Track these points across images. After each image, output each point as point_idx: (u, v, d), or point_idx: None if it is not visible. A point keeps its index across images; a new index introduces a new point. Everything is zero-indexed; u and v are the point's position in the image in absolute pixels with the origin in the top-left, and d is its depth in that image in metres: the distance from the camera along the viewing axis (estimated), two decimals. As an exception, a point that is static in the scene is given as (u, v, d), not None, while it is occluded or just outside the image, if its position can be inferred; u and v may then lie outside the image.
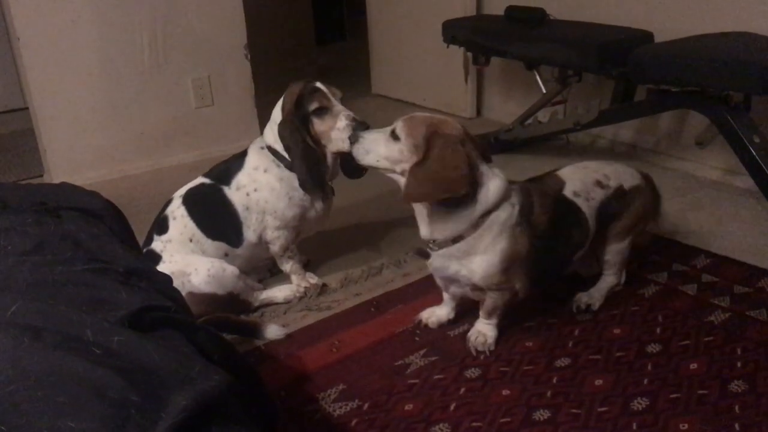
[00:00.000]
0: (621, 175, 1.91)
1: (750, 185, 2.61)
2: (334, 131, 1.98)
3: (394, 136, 1.64)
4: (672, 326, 1.87)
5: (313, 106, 1.98)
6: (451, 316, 1.95)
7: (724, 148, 2.63)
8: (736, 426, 1.50)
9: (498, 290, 1.75)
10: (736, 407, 1.55)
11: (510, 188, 1.68)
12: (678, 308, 1.96)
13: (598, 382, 1.67)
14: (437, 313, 1.95)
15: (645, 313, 1.94)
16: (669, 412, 1.55)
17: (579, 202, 1.80)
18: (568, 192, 1.81)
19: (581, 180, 1.85)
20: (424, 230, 1.70)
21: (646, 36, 2.80)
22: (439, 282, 1.85)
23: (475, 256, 1.68)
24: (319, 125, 2.00)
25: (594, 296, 1.98)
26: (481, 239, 1.65)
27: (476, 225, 1.64)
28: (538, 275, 1.79)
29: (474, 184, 1.60)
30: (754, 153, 2.38)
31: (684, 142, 3.06)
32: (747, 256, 2.22)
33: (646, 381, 1.66)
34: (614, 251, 1.94)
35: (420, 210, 1.69)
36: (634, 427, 1.51)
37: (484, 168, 1.64)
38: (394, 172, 1.68)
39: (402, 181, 1.66)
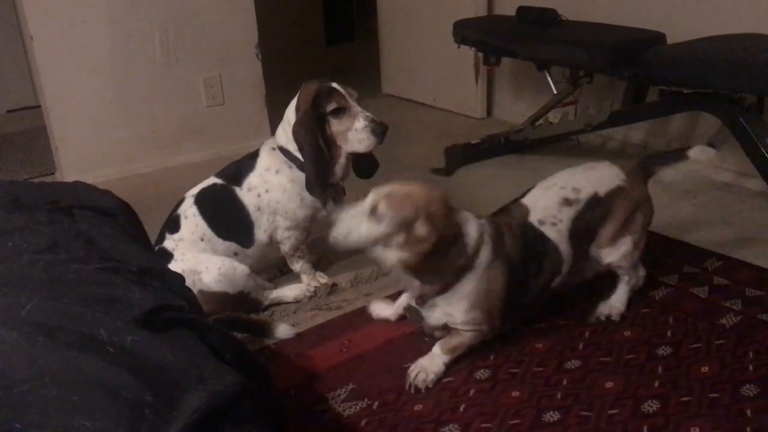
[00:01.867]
0: (596, 180, 1.84)
1: (762, 187, 2.59)
2: (352, 132, 1.98)
3: (375, 214, 1.55)
4: (683, 329, 1.86)
5: (332, 106, 1.98)
6: (392, 318, 1.95)
7: (736, 150, 2.61)
8: (748, 430, 1.49)
9: (474, 329, 1.71)
10: (748, 411, 1.54)
11: (483, 228, 1.67)
12: (689, 311, 1.95)
13: (609, 384, 1.66)
14: (386, 312, 1.97)
15: (656, 316, 1.93)
16: (680, 416, 1.54)
17: (545, 229, 1.76)
18: (533, 220, 1.77)
19: (544, 206, 1.79)
20: (415, 291, 1.70)
21: (659, 37, 2.79)
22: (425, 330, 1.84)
23: (457, 302, 1.67)
24: (336, 126, 2.00)
25: (614, 306, 1.93)
26: (463, 286, 1.65)
27: (460, 274, 1.64)
28: (511, 311, 1.75)
29: (457, 236, 1.61)
30: (767, 155, 2.36)
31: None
32: (759, 259, 2.21)
33: (656, 384, 1.65)
34: (617, 256, 1.87)
35: (404, 275, 1.65)
36: (645, 430, 1.51)
37: (459, 215, 1.64)
38: (376, 250, 1.59)
39: (381, 253, 1.58)
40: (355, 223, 1.57)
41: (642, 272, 1.97)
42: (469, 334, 1.72)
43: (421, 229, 1.53)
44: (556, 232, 1.76)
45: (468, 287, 1.65)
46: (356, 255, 2.40)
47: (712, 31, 2.66)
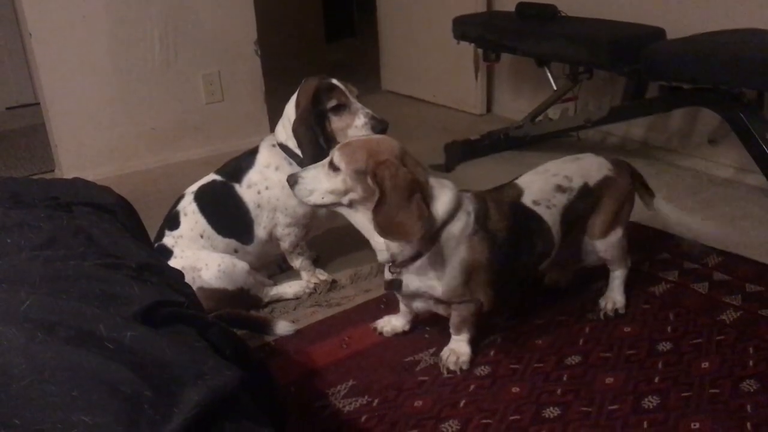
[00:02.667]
0: (585, 171, 1.84)
1: (762, 183, 2.59)
2: (352, 129, 1.98)
3: (333, 167, 1.54)
4: (683, 324, 1.86)
5: (332, 103, 1.97)
6: (407, 327, 1.90)
7: (736, 146, 2.61)
8: (748, 425, 1.49)
9: (461, 303, 1.69)
10: (748, 406, 1.54)
11: (462, 196, 1.62)
12: (689, 306, 1.95)
13: (609, 380, 1.66)
14: (393, 323, 1.91)
15: (656, 312, 1.93)
16: (680, 411, 1.54)
17: (539, 210, 1.74)
18: (526, 200, 1.74)
19: (540, 188, 1.78)
20: (382, 255, 1.62)
21: (658, 33, 2.79)
22: (400, 299, 1.81)
23: (434, 271, 1.62)
24: (336, 122, 1.99)
25: (616, 299, 1.94)
26: (439, 253, 1.60)
27: (433, 239, 1.58)
28: (502, 285, 1.72)
29: (422, 196, 1.53)
30: (767, 150, 2.36)
31: (696, 139, 3.05)
32: (759, 254, 2.21)
33: (657, 379, 1.65)
34: (606, 247, 1.87)
35: (371, 234, 1.59)
36: (645, 425, 1.51)
37: (431, 180, 1.58)
38: (341, 205, 1.58)
39: (350, 213, 1.59)
40: (316, 180, 1.57)
41: (629, 261, 1.96)
42: (462, 306, 1.70)
43: (371, 179, 1.49)
44: (550, 215, 1.75)
45: (443, 257, 1.60)
46: (356, 251, 2.41)
47: (711, 26, 2.66)
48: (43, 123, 3.37)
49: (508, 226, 1.68)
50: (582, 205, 1.80)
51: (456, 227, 1.59)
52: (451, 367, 1.73)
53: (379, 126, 1.97)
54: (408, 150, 1.59)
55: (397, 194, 1.48)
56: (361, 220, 1.58)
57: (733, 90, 2.43)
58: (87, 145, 3.28)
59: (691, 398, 1.58)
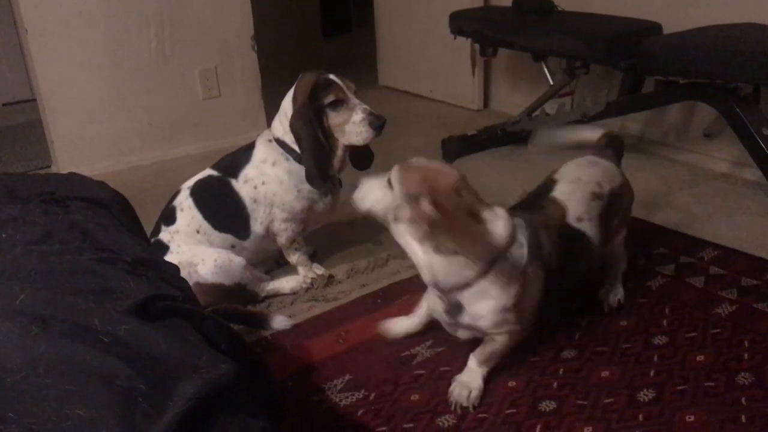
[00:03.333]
0: (607, 175, 1.82)
1: (758, 177, 2.59)
2: (350, 124, 1.98)
3: (390, 184, 1.55)
4: (679, 318, 1.87)
5: (329, 98, 1.97)
6: (418, 329, 1.85)
7: (732, 140, 2.61)
8: (743, 418, 1.49)
9: (507, 332, 1.60)
10: (743, 399, 1.55)
11: (515, 226, 1.54)
12: (685, 300, 1.95)
13: (605, 373, 1.67)
14: (405, 325, 1.86)
15: (652, 306, 1.94)
16: (675, 404, 1.55)
17: (584, 227, 1.69)
18: (571, 219, 1.69)
19: (579, 200, 1.72)
20: (427, 276, 1.53)
21: (655, 27, 2.79)
22: (445, 326, 1.71)
23: (483, 301, 1.54)
24: (334, 118, 1.99)
25: (619, 291, 1.96)
26: (492, 284, 1.52)
27: (485, 271, 1.51)
28: (544, 311, 1.65)
29: (479, 228, 1.49)
30: (763, 145, 2.36)
31: (692, 134, 3.05)
32: (755, 249, 2.22)
33: (652, 373, 1.66)
34: (618, 243, 1.90)
35: (414, 253, 1.53)
36: (641, 418, 1.51)
37: (485, 211, 1.52)
38: (386, 219, 1.57)
39: (396, 230, 1.56)
40: (372, 189, 1.60)
41: (625, 257, 1.99)
42: (501, 338, 1.61)
43: (425, 205, 1.47)
44: (592, 228, 1.71)
45: (497, 288, 1.53)
46: (353, 246, 2.41)
47: (708, 21, 2.66)
48: (39, 119, 3.36)
49: (558, 253, 1.62)
50: (611, 209, 1.78)
51: (512, 260, 1.53)
52: (464, 404, 1.60)
53: (377, 122, 1.97)
54: (467, 181, 1.55)
55: (456, 220, 1.46)
56: (406, 238, 1.54)
57: (729, 84, 2.42)
58: (84, 141, 3.27)
59: (687, 391, 1.58)
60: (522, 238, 1.55)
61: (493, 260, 1.50)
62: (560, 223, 1.67)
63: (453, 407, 1.60)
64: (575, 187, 1.75)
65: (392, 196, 1.54)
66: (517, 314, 1.57)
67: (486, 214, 1.51)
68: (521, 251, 1.54)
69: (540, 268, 1.57)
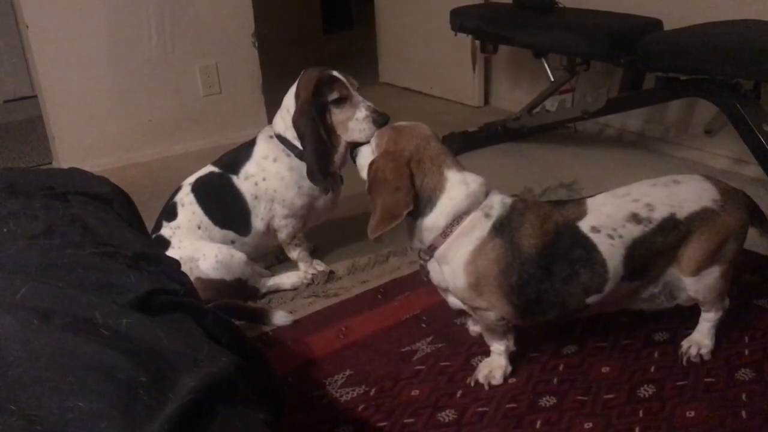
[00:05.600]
0: (677, 199, 1.57)
1: (759, 174, 2.59)
2: (353, 121, 1.98)
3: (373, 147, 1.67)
4: (679, 314, 1.86)
5: (333, 95, 1.97)
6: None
7: (732, 137, 2.61)
8: (743, 414, 1.49)
9: (475, 309, 1.61)
10: (743, 395, 1.55)
11: (482, 196, 1.56)
12: (685, 296, 1.95)
13: (605, 369, 1.67)
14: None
15: (652, 301, 1.94)
16: (676, 400, 1.55)
17: (597, 238, 1.53)
18: (584, 224, 1.55)
19: (608, 213, 1.56)
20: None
21: (655, 23, 2.78)
22: (442, 293, 1.72)
23: (446, 265, 1.58)
24: (337, 115, 1.99)
25: (702, 342, 1.69)
26: (450, 248, 1.55)
27: (445, 233, 1.55)
28: (526, 305, 1.56)
29: (432, 193, 1.54)
30: (764, 141, 2.36)
31: (692, 130, 3.05)
32: (755, 246, 2.21)
33: (652, 369, 1.66)
34: (698, 287, 1.60)
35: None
36: (641, 414, 1.51)
37: (451, 173, 1.55)
38: None
39: None
40: (363, 157, 1.71)
41: (726, 303, 1.70)
42: (480, 314, 1.61)
43: (378, 160, 1.58)
44: (610, 246, 1.53)
45: (453, 254, 1.55)
46: (353, 242, 2.41)
47: (708, 17, 2.66)
48: (40, 115, 3.37)
49: (541, 245, 1.53)
50: (663, 239, 1.55)
51: (466, 225, 1.53)
52: (480, 380, 1.65)
53: (381, 119, 1.97)
54: (437, 137, 1.63)
55: (381, 187, 1.54)
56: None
57: (730, 81, 2.42)
58: (84, 138, 3.27)
59: (687, 387, 1.59)
60: (494, 210, 1.55)
61: (451, 224, 1.54)
62: (566, 221, 1.57)
63: (471, 380, 1.67)
64: (614, 200, 1.60)
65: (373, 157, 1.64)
66: (473, 286, 1.55)
67: (453, 176, 1.56)
68: (483, 222, 1.54)
69: (503, 247, 1.52)
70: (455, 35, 3.39)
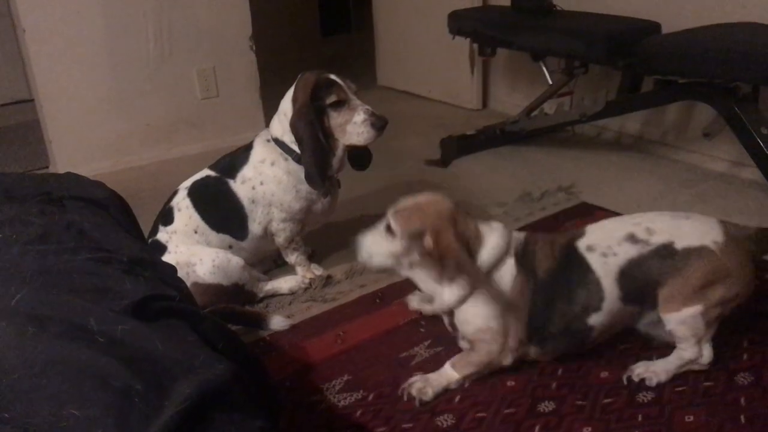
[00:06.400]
0: (679, 231, 1.57)
1: (757, 177, 2.59)
2: (351, 125, 1.97)
3: (390, 231, 1.60)
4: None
5: (331, 99, 1.96)
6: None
7: (731, 140, 2.61)
8: (742, 418, 1.49)
9: (488, 342, 1.62)
10: (742, 399, 1.55)
11: (508, 239, 1.62)
12: (684, 300, 1.94)
13: (604, 374, 1.66)
14: None
15: (651, 305, 1.93)
16: (674, 404, 1.54)
17: (591, 258, 1.58)
18: (581, 244, 1.60)
19: (605, 233, 1.60)
20: (454, 306, 1.62)
21: (654, 27, 2.79)
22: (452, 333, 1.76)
23: (472, 310, 1.60)
24: (335, 118, 1.99)
25: (654, 369, 1.63)
26: (481, 293, 1.59)
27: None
28: (537, 330, 1.62)
29: (473, 249, 1.58)
30: (762, 145, 2.36)
31: (691, 133, 3.05)
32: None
33: (651, 373, 1.65)
34: (676, 321, 1.58)
35: (435, 291, 1.63)
36: (640, 418, 1.51)
37: (481, 227, 1.61)
38: (402, 267, 1.64)
39: (413, 274, 1.64)
40: (375, 244, 1.64)
41: (707, 354, 1.62)
42: (479, 348, 1.63)
43: (428, 240, 1.54)
44: (603, 264, 1.57)
45: (484, 297, 1.58)
46: (351, 247, 2.40)
47: (707, 20, 2.66)
48: (37, 119, 3.36)
49: (550, 269, 1.59)
50: (658, 265, 1.55)
51: (504, 271, 1.60)
52: (413, 393, 1.60)
53: (379, 123, 1.97)
54: (458, 208, 1.62)
55: (449, 258, 1.54)
56: (424, 278, 1.63)
57: (728, 84, 2.42)
58: (81, 141, 3.27)
59: (686, 391, 1.58)
60: (512, 249, 1.62)
61: (488, 274, 1.59)
62: (568, 241, 1.63)
63: (401, 392, 1.62)
64: (615, 223, 1.65)
65: (396, 243, 1.60)
66: (499, 325, 1.60)
67: (482, 229, 1.61)
68: (509, 261, 1.60)
69: (525, 276, 1.59)
70: (453, 38, 3.39)
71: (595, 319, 1.60)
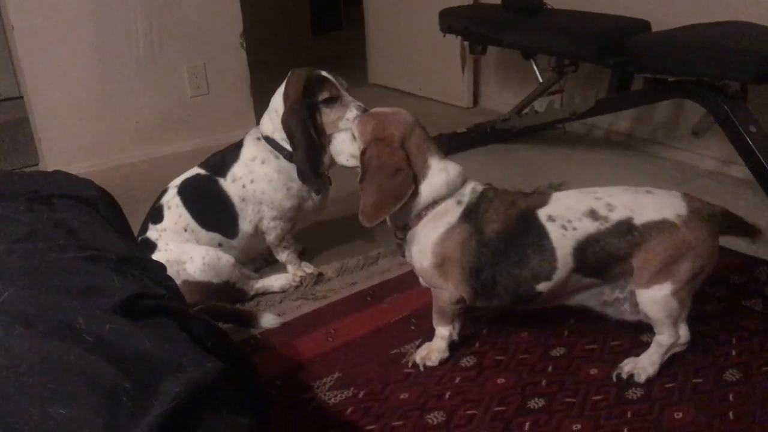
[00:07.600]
0: (639, 206, 1.57)
1: (746, 175, 2.60)
2: (343, 121, 1.97)
3: (353, 135, 1.69)
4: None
5: (323, 95, 1.96)
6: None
7: (720, 138, 2.62)
8: (731, 415, 1.50)
9: (437, 288, 1.70)
10: (731, 396, 1.55)
11: (459, 183, 1.65)
12: (673, 297, 1.95)
13: (593, 371, 1.67)
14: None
15: (640, 303, 1.94)
16: (664, 401, 1.55)
17: (551, 227, 1.58)
18: (542, 213, 1.60)
19: (568, 206, 1.61)
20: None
21: (644, 25, 2.79)
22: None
23: (415, 245, 1.68)
24: (327, 115, 1.98)
25: (641, 364, 1.63)
26: (422, 229, 1.66)
27: (419, 216, 1.65)
28: (482, 287, 1.64)
29: (417, 178, 1.62)
30: (751, 143, 2.37)
31: (680, 131, 3.06)
32: (742, 246, 2.22)
33: (641, 370, 1.66)
34: (646, 300, 1.58)
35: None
36: (629, 415, 1.52)
37: (434, 161, 1.64)
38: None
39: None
40: (342, 143, 1.74)
41: (683, 334, 1.63)
42: (437, 292, 1.71)
43: (360, 155, 1.63)
44: (561, 236, 1.57)
45: (424, 236, 1.65)
46: (342, 244, 2.41)
47: (696, 18, 2.67)
48: (26, 117, 3.34)
49: (502, 230, 1.61)
50: (616, 242, 1.55)
51: (439, 210, 1.64)
52: (416, 361, 1.73)
53: None
54: (420, 124, 1.67)
55: (379, 173, 1.60)
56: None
57: (717, 82, 2.43)
58: (71, 139, 3.25)
59: (675, 388, 1.59)
60: (466, 198, 1.65)
61: (426, 208, 1.64)
62: (526, 208, 1.63)
63: (409, 360, 1.75)
64: (578, 196, 1.65)
65: (357, 147, 1.68)
66: (437, 266, 1.66)
67: (435, 163, 1.64)
68: (454, 207, 1.64)
69: (472, 231, 1.62)
70: (444, 36, 3.39)
71: (543, 286, 1.62)
